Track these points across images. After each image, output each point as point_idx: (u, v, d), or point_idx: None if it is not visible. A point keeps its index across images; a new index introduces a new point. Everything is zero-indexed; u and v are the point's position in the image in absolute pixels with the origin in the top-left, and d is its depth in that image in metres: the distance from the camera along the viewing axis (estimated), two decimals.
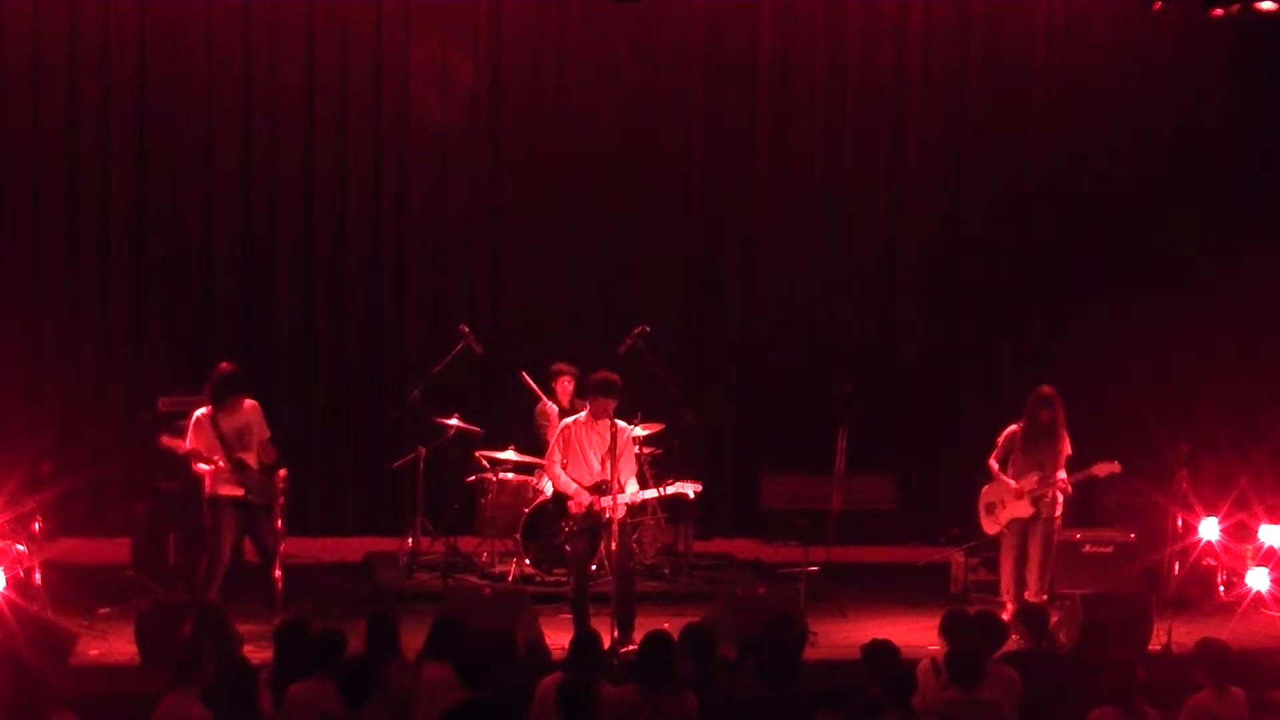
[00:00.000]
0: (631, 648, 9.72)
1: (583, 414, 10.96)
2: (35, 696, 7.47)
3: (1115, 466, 11.70)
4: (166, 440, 10.98)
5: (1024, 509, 11.64)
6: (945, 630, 9.00)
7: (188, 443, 10.84)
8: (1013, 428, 11.77)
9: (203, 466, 10.77)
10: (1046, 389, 11.69)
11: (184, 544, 11.86)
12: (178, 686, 7.79)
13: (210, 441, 10.77)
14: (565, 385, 12.57)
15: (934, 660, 8.78)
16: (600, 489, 10.70)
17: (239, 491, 10.78)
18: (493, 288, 14.38)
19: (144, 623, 10.08)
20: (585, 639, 8.57)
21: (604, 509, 10.63)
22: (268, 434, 11.06)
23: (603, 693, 8.04)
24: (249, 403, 11.01)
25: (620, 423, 10.71)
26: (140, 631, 10.09)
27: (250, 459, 10.86)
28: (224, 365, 11.04)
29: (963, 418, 14.27)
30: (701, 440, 12.92)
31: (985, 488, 11.88)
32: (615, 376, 10.84)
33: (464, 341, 12.71)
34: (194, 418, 10.87)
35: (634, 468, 11.16)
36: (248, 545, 11.26)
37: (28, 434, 12.33)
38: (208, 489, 10.86)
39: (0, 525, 10.98)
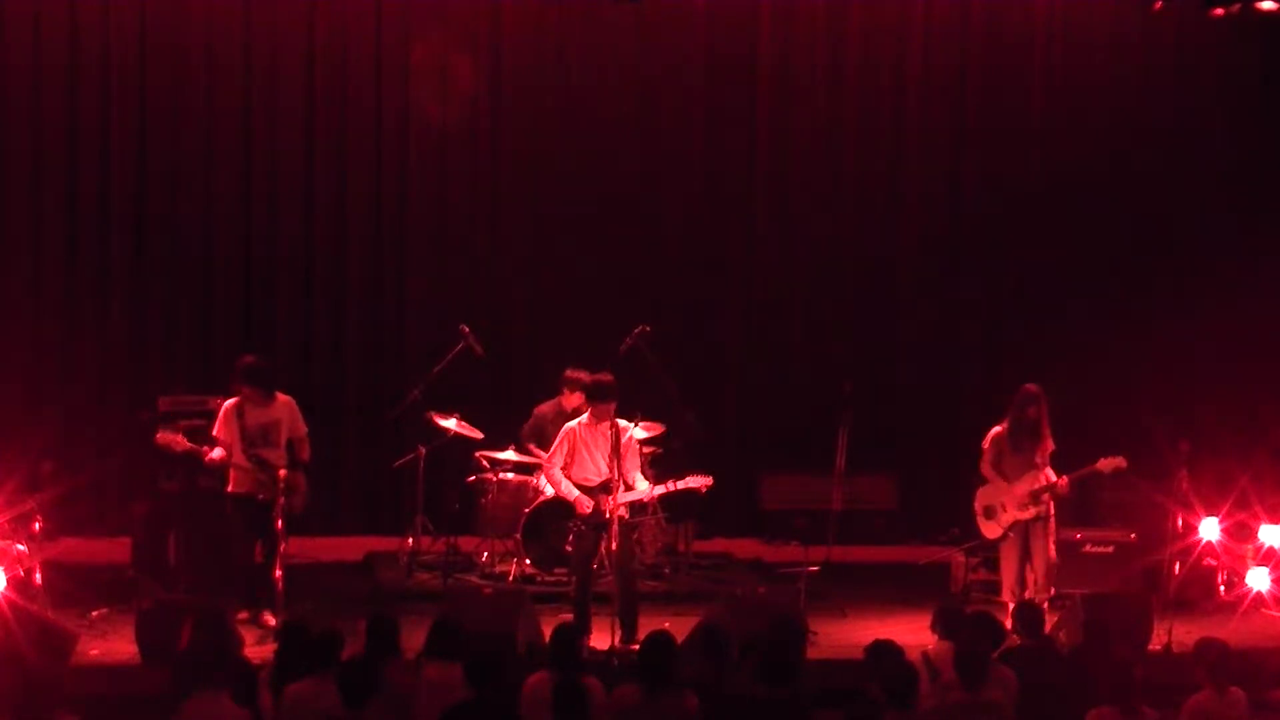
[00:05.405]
0: (636, 647, 9.71)
1: (584, 416, 10.97)
2: (36, 697, 7.47)
3: (1121, 462, 11.54)
4: (161, 436, 10.88)
5: (1026, 512, 11.51)
6: (938, 625, 8.99)
7: (215, 431, 10.81)
8: (997, 429, 11.61)
9: (215, 455, 10.68)
10: (1032, 386, 11.63)
11: (184, 544, 11.86)
12: (203, 687, 7.72)
13: (234, 434, 10.74)
14: (571, 398, 12.49)
15: (925, 655, 8.78)
16: (608, 488, 10.69)
17: (250, 489, 10.77)
18: (493, 288, 14.38)
19: (144, 623, 10.08)
20: (562, 634, 8.55)
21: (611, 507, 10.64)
22: (304, 430, 11.03)
23: (600, 692, 8.06)
24: (283, 398, 10.97)
25: (622, 422, 10.72)
26: (140, 631, 10.08)
27: (273, 456, 10.80)
28: (249, 357, 11.00)
29: (963, 418, 14.22)
30: (701, 440, 12.92)
31: (980, 490, 11.73)
32: (609, 378, 10.84)
33: (464, 342, 12.70)
34: (223, 408, 10.87)
35: (639, 464, 11.16)
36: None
37: (28, 434, 12.33)
38: (229, 487, 10.85)
39: (0, 525, 10.98)
